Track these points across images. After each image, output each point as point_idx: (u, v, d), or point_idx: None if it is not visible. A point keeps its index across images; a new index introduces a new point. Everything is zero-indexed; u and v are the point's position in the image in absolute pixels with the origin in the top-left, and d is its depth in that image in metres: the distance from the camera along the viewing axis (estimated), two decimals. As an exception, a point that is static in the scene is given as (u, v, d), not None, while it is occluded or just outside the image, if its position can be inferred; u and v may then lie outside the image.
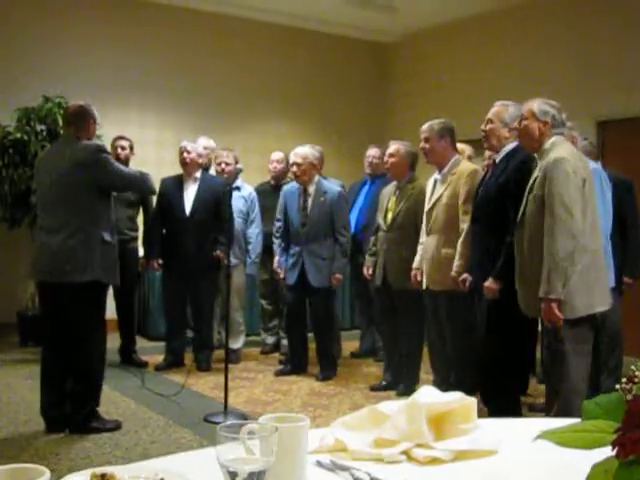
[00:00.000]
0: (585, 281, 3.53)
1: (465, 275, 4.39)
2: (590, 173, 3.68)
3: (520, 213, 3.72)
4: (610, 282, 4.04)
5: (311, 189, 5.74)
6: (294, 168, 5.69)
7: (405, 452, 1.33)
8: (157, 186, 5.45)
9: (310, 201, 5.73)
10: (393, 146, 5.30)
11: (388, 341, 5.47)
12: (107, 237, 4.17)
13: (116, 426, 4.28)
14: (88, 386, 4.19)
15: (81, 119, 4.25)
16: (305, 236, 5.69)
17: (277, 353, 6.67)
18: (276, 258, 6.00)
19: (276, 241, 6.06)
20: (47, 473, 0.93)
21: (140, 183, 4.47)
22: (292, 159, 5.73)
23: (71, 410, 4.16)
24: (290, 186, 5.98)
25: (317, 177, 5.79)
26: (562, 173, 3.49)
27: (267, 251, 6.24)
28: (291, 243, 5.82)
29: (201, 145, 6.20)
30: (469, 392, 1.63)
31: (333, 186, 5.89)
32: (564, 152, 3.58)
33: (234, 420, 1.07)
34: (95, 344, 4.19)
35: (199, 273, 5.86)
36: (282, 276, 5.86)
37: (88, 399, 4.19)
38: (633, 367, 0.88)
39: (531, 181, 3.67)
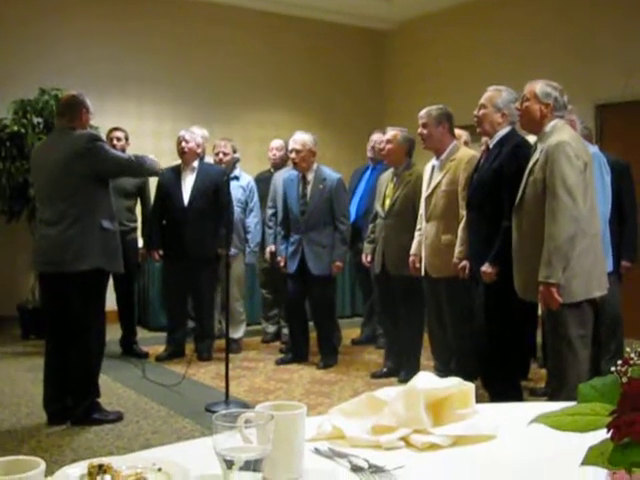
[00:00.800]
0: (583, 265, 3.53)
1: (464, 262, 4.38)
2: (591, 157, 3.67)
3: (518, 197, 3.71)
4: (608, 267, 4.04)
5: (310, 176, 5.70)
6: (293, 155, 5.64)
7: (403, 438, 1.32)
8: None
9: (309, 189, 5.69)
10: (390, 132, 5.28)
11: (388, 328, 5.47)
12: (106, 224, 4.15)
13: (118, 417, 4.29)
14: (88, 377, 4.19)
15: (74, 109, 4.21)
16: (305, 224, 5.66)
17: (278, 342, 6.68)
18: (269, 247, 5.96)
19: (269, 230, 6.02)
20: (42, 465, 0.92)
21: (137, 166, 4.38)
22: (291, 145, 5.68)
23: (72, 402, 4.16)
24: (288, 173, 5.94)
25: (316, 164, 5.76)
26: (564, 156, 3.47)
27: (267, 240, 6.24)
28: (291, 231, 5.80)
29: (199, 134, 6.18)
30: (470, 378, 1.63)
31: (332, 173, 5.81)
32: (566, 136, 3.56)
33: (235, 409, 1.06)
34: (94, 335, 4.19)
35: (199, 263, 5.85)
36: (282, 264, 5.86)
37: (89, 391, 4.20)
38: (628, 349, 0.88)
39: (531, 164, 3.66)
